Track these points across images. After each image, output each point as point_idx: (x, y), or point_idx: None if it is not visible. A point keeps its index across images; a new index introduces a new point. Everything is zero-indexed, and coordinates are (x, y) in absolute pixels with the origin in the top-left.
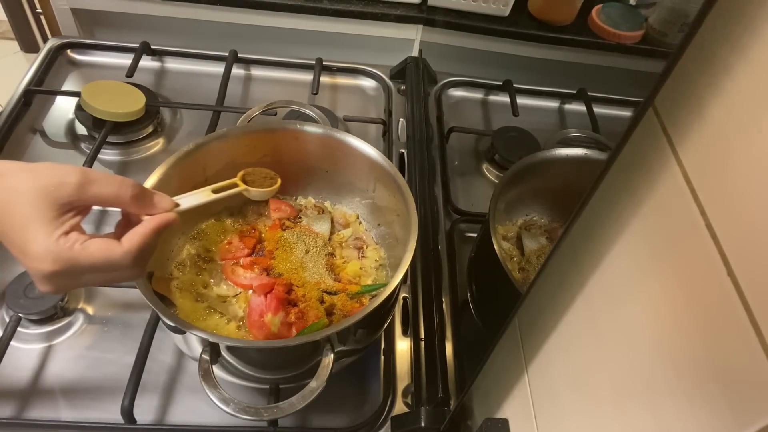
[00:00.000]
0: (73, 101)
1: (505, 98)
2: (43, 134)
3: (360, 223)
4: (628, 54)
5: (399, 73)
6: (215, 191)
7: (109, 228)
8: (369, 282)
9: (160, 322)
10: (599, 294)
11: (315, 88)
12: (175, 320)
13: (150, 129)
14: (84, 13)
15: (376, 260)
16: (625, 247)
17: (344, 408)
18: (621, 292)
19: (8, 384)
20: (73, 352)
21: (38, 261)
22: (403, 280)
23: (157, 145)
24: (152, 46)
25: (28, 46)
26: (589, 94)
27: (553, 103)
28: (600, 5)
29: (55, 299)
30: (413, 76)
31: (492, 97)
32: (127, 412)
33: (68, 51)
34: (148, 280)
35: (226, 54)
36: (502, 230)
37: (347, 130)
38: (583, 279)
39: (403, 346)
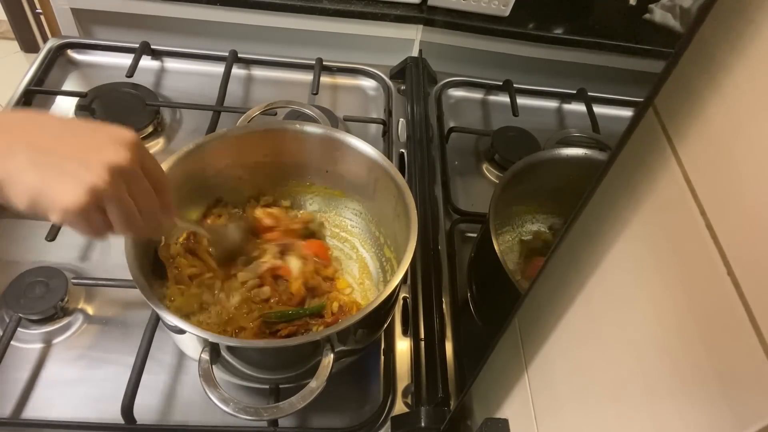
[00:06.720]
0: (73, 101)
1: (505, 98)
2: None
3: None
4: (628, 54)
5: (399, 73)
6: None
7: None
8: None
9: (160, 322)
10: (599, 294)
11: (315, 88)
12: (175, 320)
13: (150, 129)
14: (84, 13)
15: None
16: (625, 247)
17: (344, 408)
18: (621, 292)
19: (8, 384)
20: (73, 352)
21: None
22: (403, 280)
23: (157, 145)
24: (152, 46)
25: (28, 46)
26: (589, 94)
27: (553, 103)
28: None
29: (55, 299)
30: (413, 76)
31: (492, 97)
32: (127, 412)
33: (68, 51)
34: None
35: (226, 54)
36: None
37: (347, 130)
38: (583, 279)
39: (403, 346)
